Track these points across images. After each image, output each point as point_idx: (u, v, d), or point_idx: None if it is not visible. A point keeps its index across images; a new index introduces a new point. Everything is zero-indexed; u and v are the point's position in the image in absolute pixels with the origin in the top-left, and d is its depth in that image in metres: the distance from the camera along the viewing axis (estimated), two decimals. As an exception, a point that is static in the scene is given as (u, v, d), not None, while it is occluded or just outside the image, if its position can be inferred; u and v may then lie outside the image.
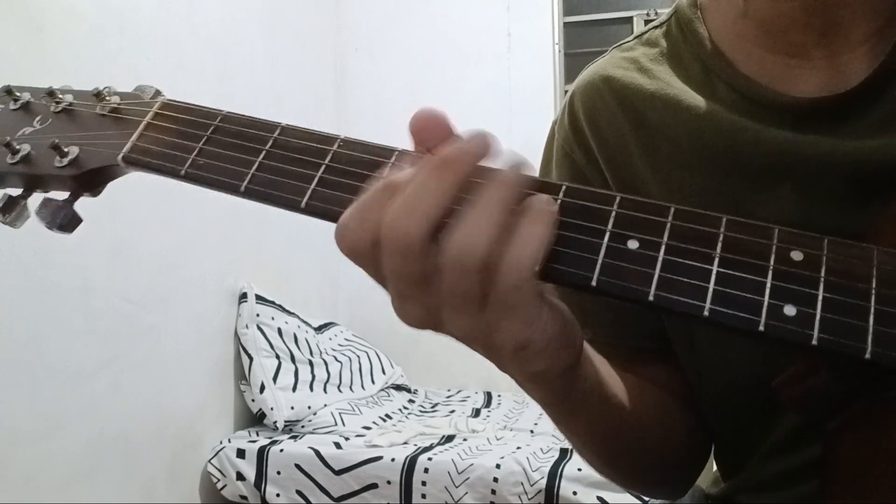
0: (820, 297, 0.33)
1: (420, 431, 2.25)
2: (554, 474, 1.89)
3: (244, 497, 2.10)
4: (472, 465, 1.97)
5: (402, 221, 0.35)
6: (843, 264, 0.34)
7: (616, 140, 0.59)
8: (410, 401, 2.72)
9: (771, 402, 0.43)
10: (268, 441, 2.15)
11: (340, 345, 2.70)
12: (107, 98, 0.48)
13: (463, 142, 0.37)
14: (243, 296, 2.36)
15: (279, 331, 2.39)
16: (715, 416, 0.60)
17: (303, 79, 2.86)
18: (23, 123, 0.49)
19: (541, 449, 2.05)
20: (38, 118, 0.49)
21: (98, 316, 1.81)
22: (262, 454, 2.10)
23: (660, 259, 0.35)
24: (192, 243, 2.16)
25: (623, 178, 0.59)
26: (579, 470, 1.87)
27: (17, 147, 0.47)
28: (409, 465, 2.00)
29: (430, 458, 2.01)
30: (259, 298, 2.38)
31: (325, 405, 2.35)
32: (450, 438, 2.22)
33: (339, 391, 2.50)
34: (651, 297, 0.34)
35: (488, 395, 2.75)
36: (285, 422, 2.23)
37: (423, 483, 1.97)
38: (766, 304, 0.33)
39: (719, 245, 0.35)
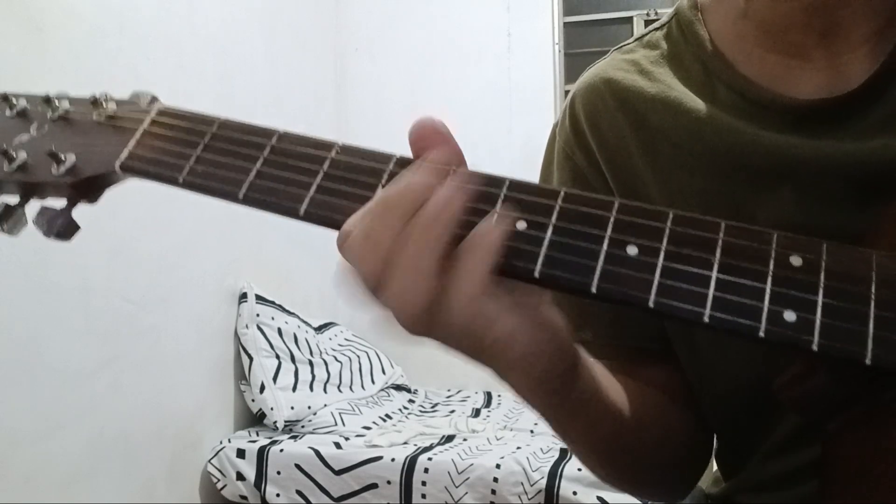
0: (819, 303, 0.33)
1: (420, 431, 2.25)
2: (554, 474, 1.89)
3: (244, 497, 2.10)
4: (472, 465, 1.97)
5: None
6: (842, 268, 0.34)
7: (617, 142, 0.59)
8: (410, 401, 2.72)
9: (771, 402, 0.43)
10: (268, 441, 2.15)
11: (340, 345, 2.70)
12: (103, 105, 0.47)
13: (409, 174, 0.37)
14: (243, 296, 2.36)
15: (279, 331, 2.39)
16: (715, 416, 0.60)
17: (303, 79, 2.86)
18: (19, 131, 0.48)
19: (541, 449, 2.05)
20: (34, 125, 0.48)
21: (98, 316, 1.81)
22: (262, 454, 2.10)
23: (659, 265, 0.35)
24: (192, 243, 2.16)
25: (624, 180, 0.59)
26: (579, 470, 1.87)
27: (14, 155, 0.46)
28: (409, 465, 2.00)
29: (430, 458, 2.01)
30: (259, 298, 2.38)
31: (325, 405, 2.35)
32: (450, 438, 2.22)
33: (339, 391, 2.50)
34: (651, 304, 0.34)
35: (488, 395, 2.75)
36: (285, 422, 2.23)
37: (423, 483, 1.97)
38: (765, 309, 0.33)
39: (718, 250, 0.35)
